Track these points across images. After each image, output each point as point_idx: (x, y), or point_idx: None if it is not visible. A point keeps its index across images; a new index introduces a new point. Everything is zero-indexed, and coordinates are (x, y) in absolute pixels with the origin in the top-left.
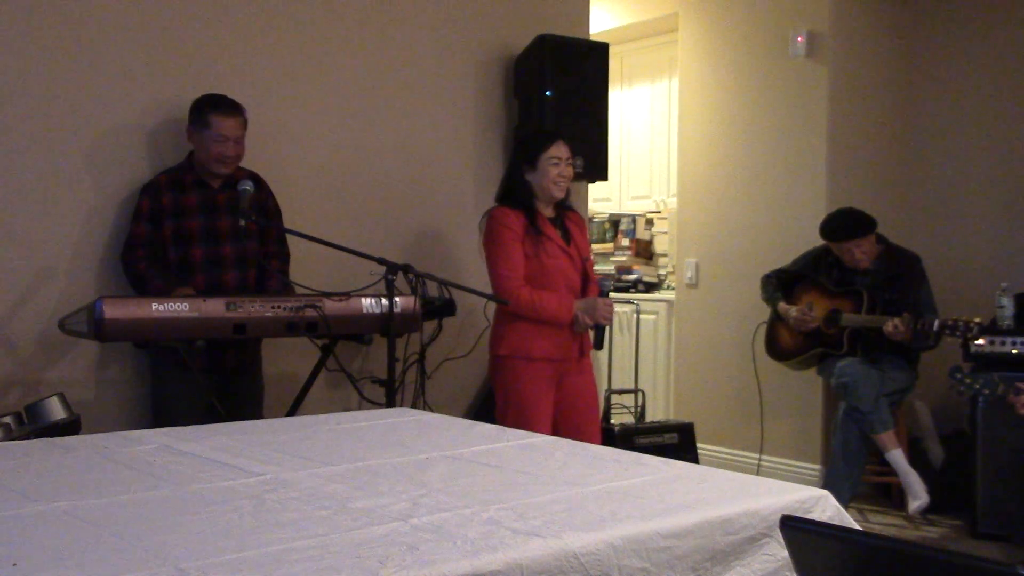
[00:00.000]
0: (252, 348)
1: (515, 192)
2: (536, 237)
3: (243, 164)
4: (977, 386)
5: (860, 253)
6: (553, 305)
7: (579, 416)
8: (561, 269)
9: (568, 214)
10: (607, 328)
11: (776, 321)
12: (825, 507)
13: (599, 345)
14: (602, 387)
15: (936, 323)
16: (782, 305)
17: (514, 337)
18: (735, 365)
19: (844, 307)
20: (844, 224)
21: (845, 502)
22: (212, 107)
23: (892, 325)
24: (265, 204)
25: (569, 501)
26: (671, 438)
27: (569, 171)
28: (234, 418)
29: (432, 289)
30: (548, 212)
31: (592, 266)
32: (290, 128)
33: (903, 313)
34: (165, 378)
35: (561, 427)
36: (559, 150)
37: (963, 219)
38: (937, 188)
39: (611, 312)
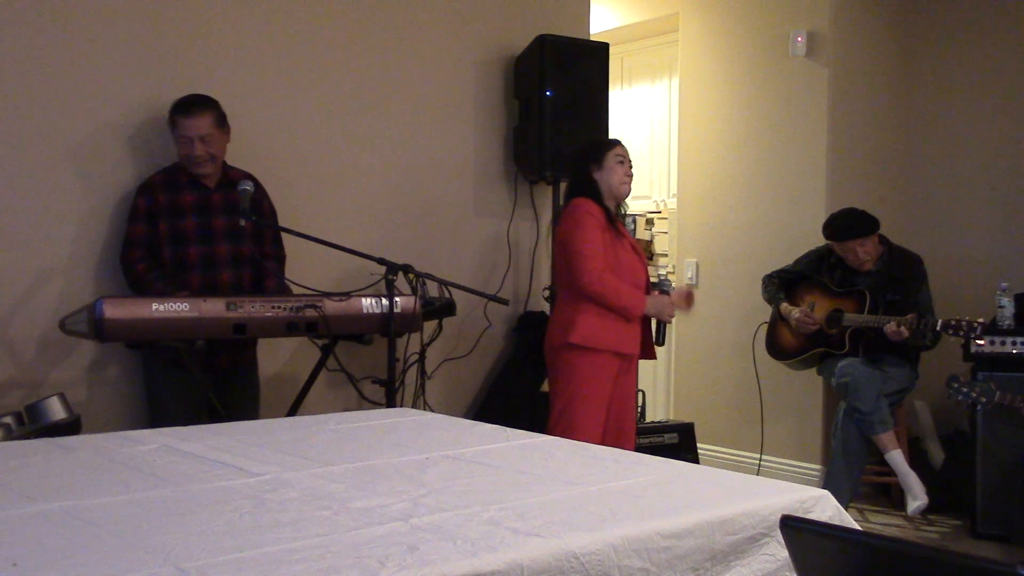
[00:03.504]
0: (248, 348)
1: (587, 189)
2: (612, 231)
3: (242, 165)
4: (974, 395)
5: (863, 253)
6: (631, 295)
7: (626, 414)
8: (632, 266)
9: (621, 222)
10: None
11: (777, 321)
12: (825, 507)
13: (662, 341)
14: None
15: (939, 323)
16: (784, 306)
17: (586, 327)
18: (735, 365)
19: (846, 307)
20: (848, 223)
21: (845, 502)
22: (175, 109)
23: (896, 324)
24: (260, 205)
25: (569, 501)
26: (671, 438)
27: (632, 172)
28: (230, 418)
29: (432, 289)
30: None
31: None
32: (290, 128)
33: (907, 314)
34: (157, 378)
35: (608, 424)
36: (623, 150)
37: (963, 219)
38: (937, 188)
39: (673, 311)
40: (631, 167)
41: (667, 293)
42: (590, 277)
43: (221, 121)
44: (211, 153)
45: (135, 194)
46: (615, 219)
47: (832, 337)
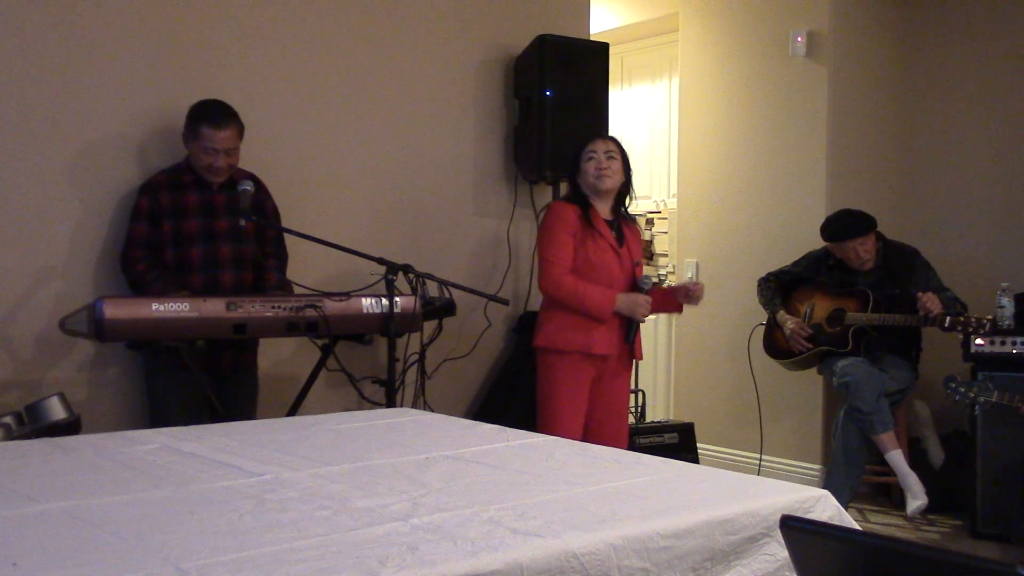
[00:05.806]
0: (248, 348)
1: (574, 192)
2: (588, 231)
3: (244, 166)
4: (972, 394)
5: (864, 252)
6: (596, 296)
7: (613, 417)
8: (607, 265)
9: (625, 221)
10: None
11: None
12: (825, 507)
13: (628, 339)
14: None
15: (948, 320)
16: (781, 314)
17: (551, 329)
18: (735, 365)
19: (848, 307)
20: (845, 223)
21: (845, 502)
22: (202, 118)
23: (925, 298)
24: (263, 206)
25: (569, 501)
26: (671, 438)
27: (610, 163)
28: (229, 418)
29: (432, 289)
30: (605, 214)
31: (641, 271)
32: (290, 129)
33: (910, 308)
34: (157, 378)
35: (593, 427)
36: (594, 145)
37: (963, 219)
38: (937, 188)
39: (648, 309)
40: (609, 156)
41: (645, 291)
42: (547, 282)
43: (241, 132)
44: (230, 164)
45: (138, 193)
46: (594, 218)
47: (834, 336)
